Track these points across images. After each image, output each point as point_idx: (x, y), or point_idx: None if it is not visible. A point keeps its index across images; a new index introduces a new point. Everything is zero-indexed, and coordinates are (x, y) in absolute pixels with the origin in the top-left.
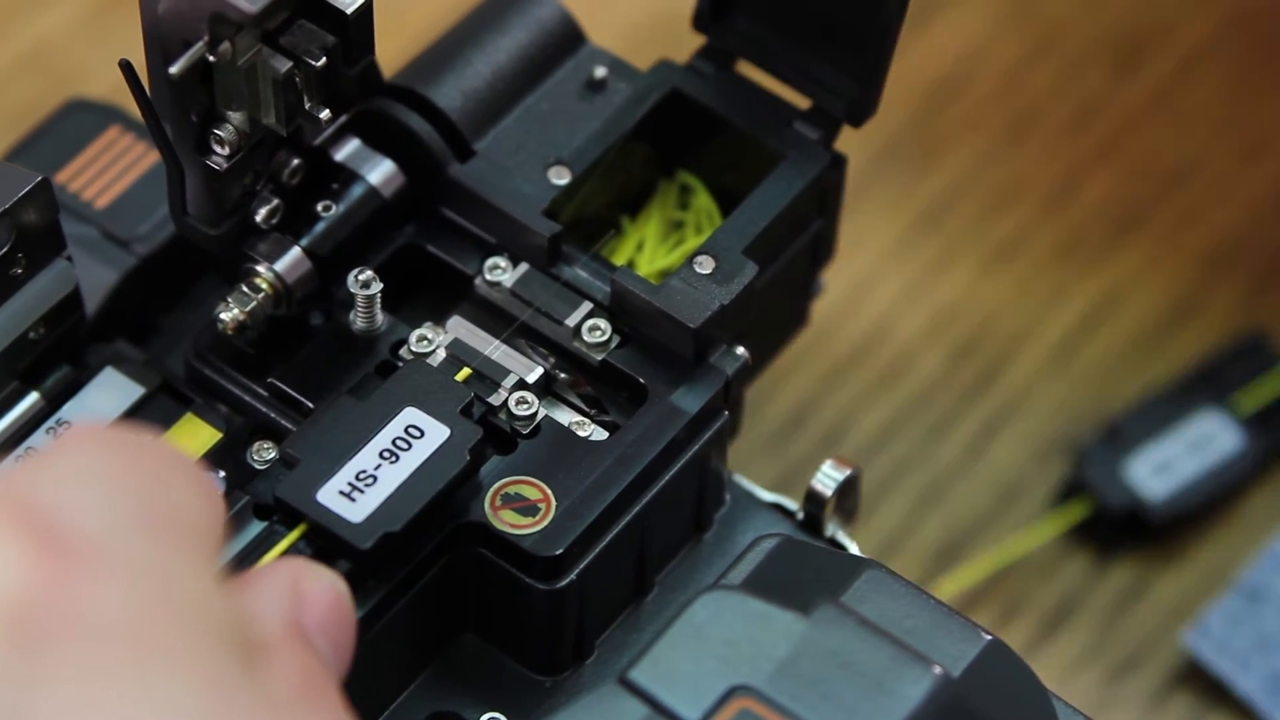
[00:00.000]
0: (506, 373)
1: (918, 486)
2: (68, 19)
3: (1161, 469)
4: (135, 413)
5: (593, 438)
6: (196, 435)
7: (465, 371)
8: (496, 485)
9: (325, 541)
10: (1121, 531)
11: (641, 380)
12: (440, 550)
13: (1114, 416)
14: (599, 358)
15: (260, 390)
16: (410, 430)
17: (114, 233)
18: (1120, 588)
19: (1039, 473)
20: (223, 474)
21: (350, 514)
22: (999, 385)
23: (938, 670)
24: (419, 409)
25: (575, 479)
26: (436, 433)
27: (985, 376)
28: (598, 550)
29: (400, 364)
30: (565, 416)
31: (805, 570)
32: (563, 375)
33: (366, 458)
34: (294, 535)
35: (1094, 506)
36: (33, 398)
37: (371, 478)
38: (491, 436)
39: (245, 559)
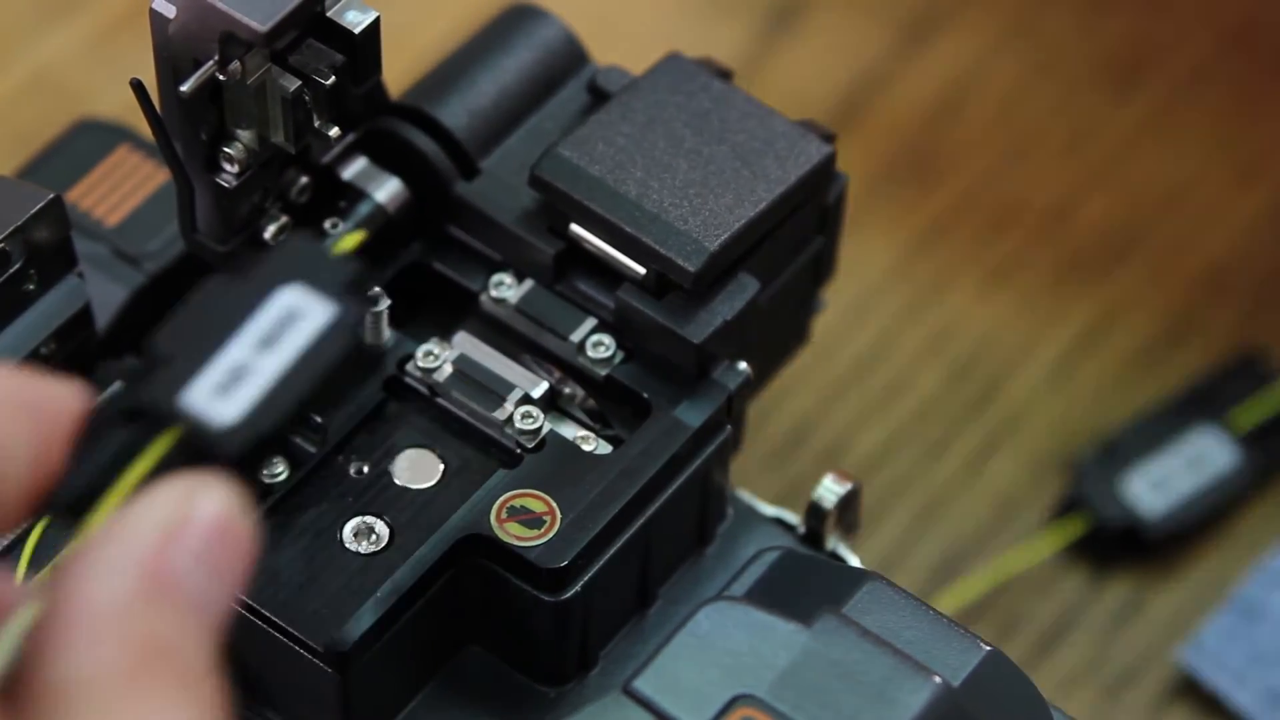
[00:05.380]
0: (512, 387)
1: (917, 503)
2: (74, 42)
3: (1158, 486)
4: None
5: (597, 452)
6: None
7: (355, 239)
8: (502, 498)
9: (198, 446)
10: (1118, 548)
11: (645, 395)
12: (446, 563)
13: (1111, 434)
14: (603, 373)
15: None
16: (289, 311)
17: (124, 250)
18: (1117, 603)
19: (1037, 489)
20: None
21: (221, 414)
22: (997, 403)
23: (938, 680)
24: (300, 287)
25: (580, 492)
26: (319, 313)
27: (983, 395)
28: (602, 562)
29: (407, 378)
30: (570, 431)
31: (807, 582)
32: (567, 390)
33: (241, 348)
34: (159, 446)
35: (1091, 523)
36: None
37: (246, 370)
38: (498, 451)
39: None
